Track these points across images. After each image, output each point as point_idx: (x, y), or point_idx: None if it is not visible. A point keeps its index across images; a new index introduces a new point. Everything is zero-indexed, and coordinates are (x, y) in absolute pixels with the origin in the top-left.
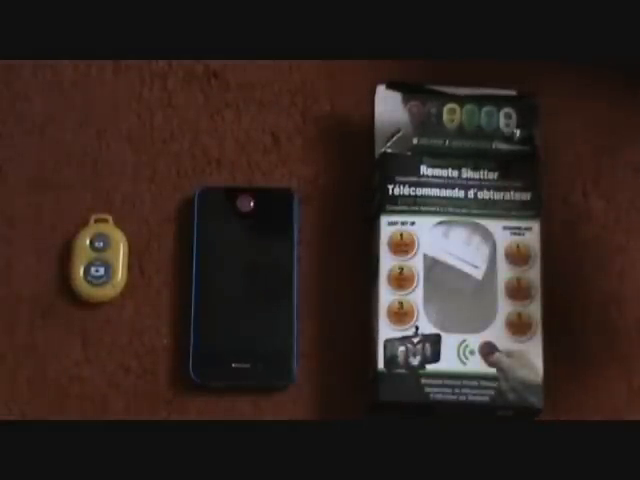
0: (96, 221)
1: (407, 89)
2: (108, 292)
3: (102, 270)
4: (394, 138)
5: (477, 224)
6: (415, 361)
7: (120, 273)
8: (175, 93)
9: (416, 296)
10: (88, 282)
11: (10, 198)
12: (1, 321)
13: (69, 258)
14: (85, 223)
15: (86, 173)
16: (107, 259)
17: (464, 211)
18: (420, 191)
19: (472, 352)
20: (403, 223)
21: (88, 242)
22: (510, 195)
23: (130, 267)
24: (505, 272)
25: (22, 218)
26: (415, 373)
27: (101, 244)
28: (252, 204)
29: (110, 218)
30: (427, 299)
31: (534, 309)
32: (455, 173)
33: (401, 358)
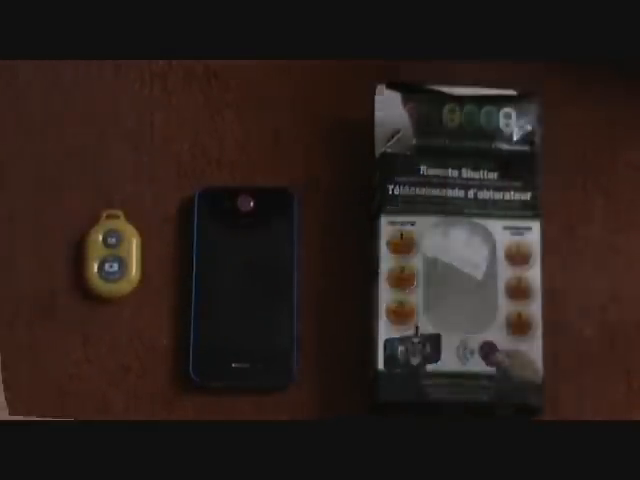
0: (107, 217)
1: (407, 89)
2: (123, 288)
3: (116, 266)
4: (394, 138)
5: (477, 224)
6: (415, 361)
7: (134, 268)
8: (175, 93)
9: (416, 296)
10: (103, 278)
11: (10, 197)
12: (2, 320)
13: (82, 255)
14: (96, 220)
15: (86, 173)
16: (120, 255)
17: (464, 211)
18: (420, 191)
19: (472, 352)
20: (403, 223)
21: (101, 238)
22: (510, 195)
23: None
24: (505, 272)
25: (22, 217)
26: (415, 373)
27: (114, 240)
28: (252, 204)
29: (122, 214)
30: (427, 299)
31: (534, 309)
32: (455, 173)
33: (401, 358)
